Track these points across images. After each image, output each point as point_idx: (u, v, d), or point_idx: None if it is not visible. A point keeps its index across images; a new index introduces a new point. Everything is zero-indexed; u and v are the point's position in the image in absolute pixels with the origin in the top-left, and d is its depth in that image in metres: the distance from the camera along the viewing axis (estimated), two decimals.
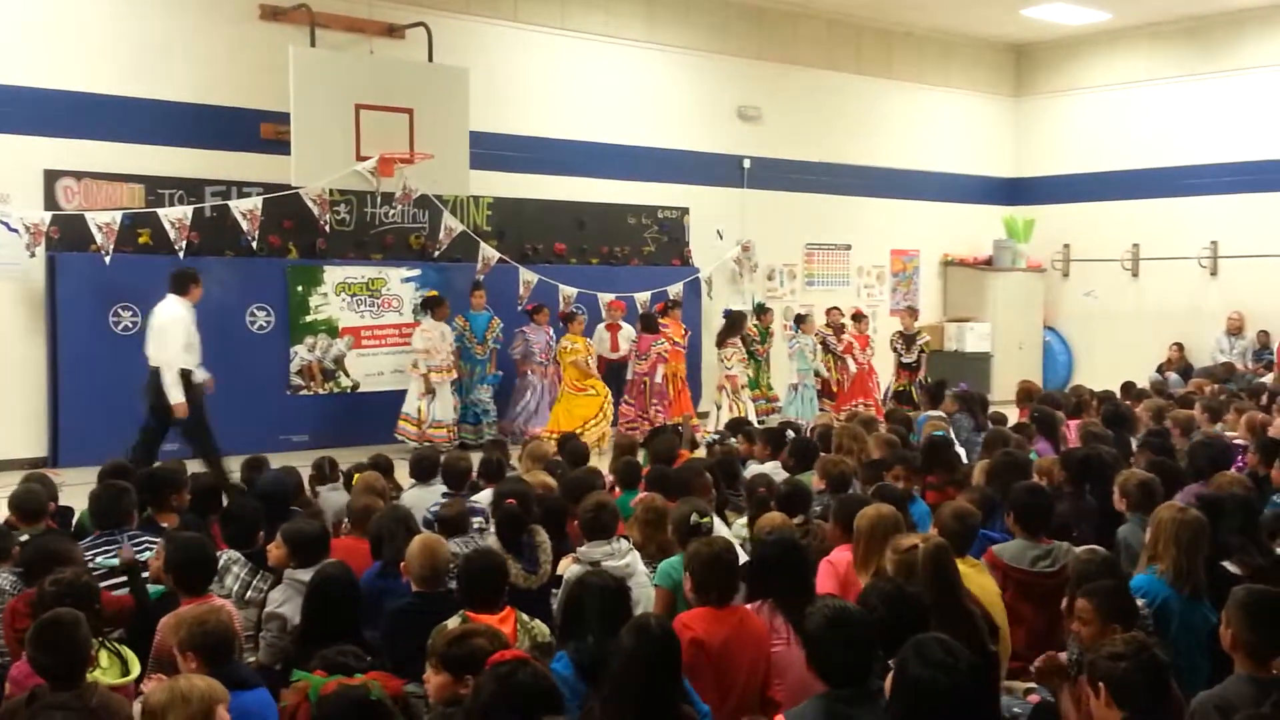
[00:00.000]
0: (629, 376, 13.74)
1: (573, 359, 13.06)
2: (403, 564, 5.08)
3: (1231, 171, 17.28)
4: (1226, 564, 5.30)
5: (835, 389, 14.95)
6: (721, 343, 14.42)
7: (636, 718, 3.53)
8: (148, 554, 5.57)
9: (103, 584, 5.26)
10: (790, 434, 8.69)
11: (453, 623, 4.38)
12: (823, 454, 7.63)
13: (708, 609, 4.47)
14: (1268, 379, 15.01)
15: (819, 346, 14.80)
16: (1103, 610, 4.25)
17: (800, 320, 14.89)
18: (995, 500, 6.18)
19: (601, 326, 13.98)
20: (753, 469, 8.11)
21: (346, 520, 6.43)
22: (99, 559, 5.57)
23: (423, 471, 7.60)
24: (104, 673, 4.09)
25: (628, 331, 13.92)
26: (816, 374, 14.69)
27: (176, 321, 9.70)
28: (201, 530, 6.05)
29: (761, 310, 15.51)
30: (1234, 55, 17.41)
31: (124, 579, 5.37)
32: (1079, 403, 10.90)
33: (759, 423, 12.62)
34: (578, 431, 11.58)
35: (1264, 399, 11.69)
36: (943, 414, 10.19)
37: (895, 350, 15.18)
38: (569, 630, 4.35)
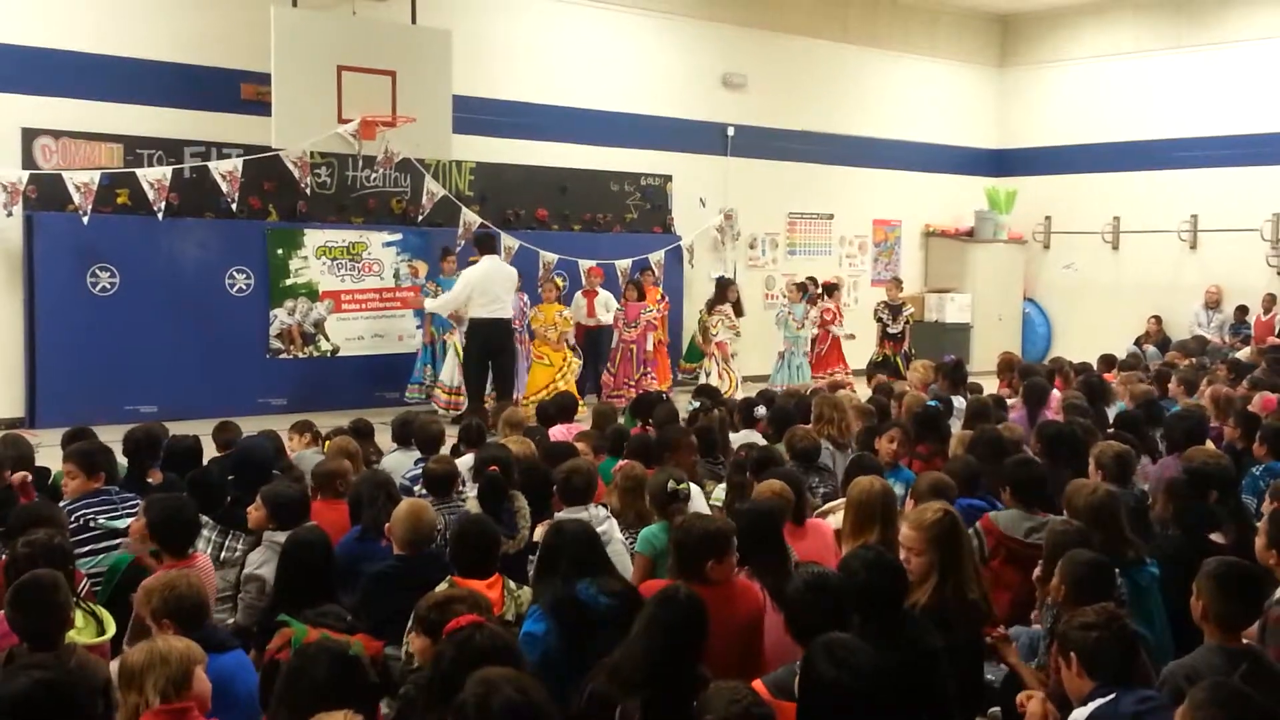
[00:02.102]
0: (613, 344, 13.73)
1: (535, 327, 13.07)
2: (387, 526, 5.10)
3: (1213, 145, 17.33)
4: (1213, 536, 5.35)
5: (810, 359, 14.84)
6: (711, 310, 14.43)
7: (654, 681, 3.55)
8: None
9: (101, 544, 5.28)
10: (761, 409, 8.69)
11: (442, 588, 4.40)
12: (796, 426, 7.59)
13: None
14: (1243, 353, 15.10)
15: (814, 314, 14.66)
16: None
17: (804, 288, 14.84)
18: (976, 470, 6.22)
19: (579, 293, 13.96)
20: (736, 437, 8.12)
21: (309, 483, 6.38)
22: (100, 519, 5.46)
23: (405, 436, 7.60)
24: (79, 633, 4.09)
25: (604, 298, 13.87)
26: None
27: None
28: (181, 491, 6.04)
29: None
30: (1219, 28, 17.42)
31: (121, 540, 5.35)
32: (1051, 373, 10.92)
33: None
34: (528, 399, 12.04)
35: (1231, 372, 11.68)
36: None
37: (880, 320, 15.12)
38: (543, 575, 4.41)
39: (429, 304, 12.32)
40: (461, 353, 12.24)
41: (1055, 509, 5.75)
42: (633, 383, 13.35)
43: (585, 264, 14.03)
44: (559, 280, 13.52)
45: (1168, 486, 5.88)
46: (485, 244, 12.15)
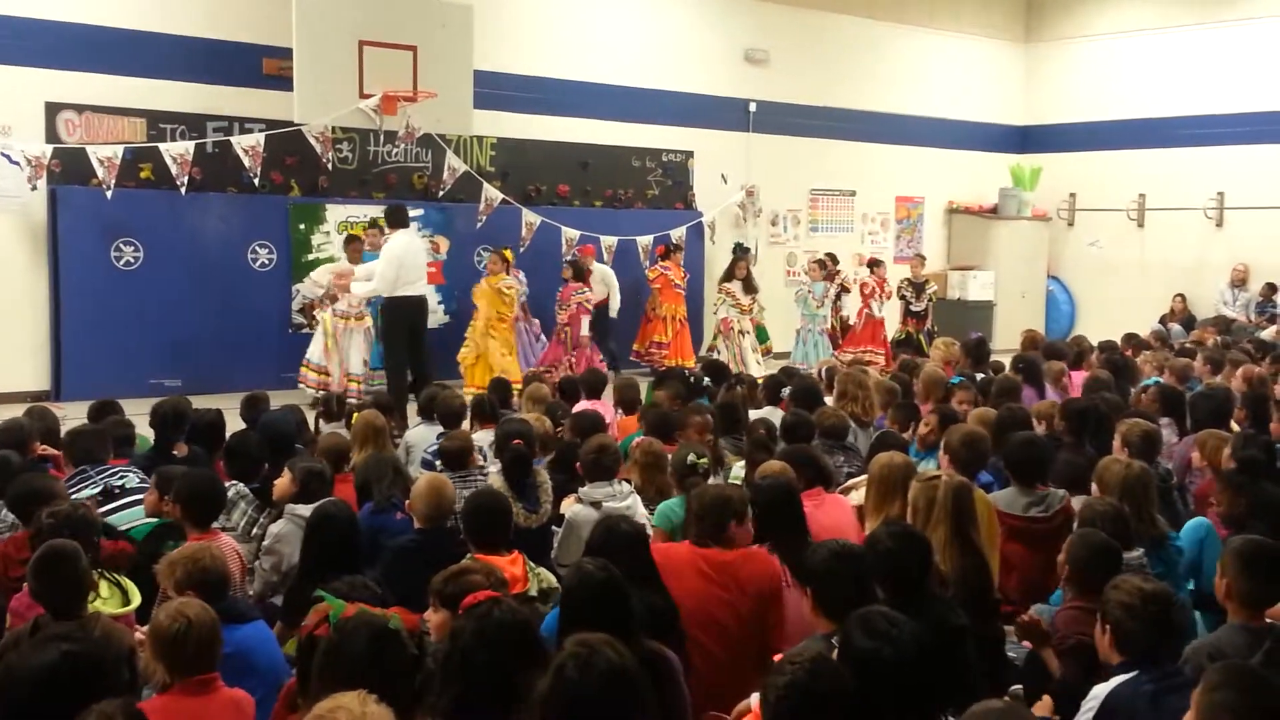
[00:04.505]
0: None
1: (476, 301, 12.59)
2: (408, 502, 5.12)
3: (1240, 122, 17.15)
4: None
5: (837, 336, 14.77)
6: (719, 286, 14.40)
7: None
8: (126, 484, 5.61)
9: None
10: (785, 391, 8.67)
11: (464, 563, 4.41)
12: (824, 406, 7.58)
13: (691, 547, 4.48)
14: (1269, 332, 14.97)
15: (833, 291, 14.61)
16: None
17: (823, 265, 14.78)
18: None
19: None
20: (754, 413, 8.11)
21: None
22: (71, 495, 5.49)
23: (429, 411, 7.63)
24: (104, 603, 4.13)
25: (602, 273, 13.81)
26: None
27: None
28: (206, 464, 6.08)
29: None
30: (1245, 3, 17.23)
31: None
32: (1080, 353, 10.88)
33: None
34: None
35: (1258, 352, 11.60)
36: None
37: (903, 298, 15.11)
38: None
39: (362, 288, 11.35)
40: (375, 333, 11.82)
41: (1067, 484, 5.72)
42: (566, 366, 12.69)
43: (607, 240, 14.01)
44: (508, 253, 12.83)
45: (1226, 480, 5.79)
46: (397, 217, 11.43)
